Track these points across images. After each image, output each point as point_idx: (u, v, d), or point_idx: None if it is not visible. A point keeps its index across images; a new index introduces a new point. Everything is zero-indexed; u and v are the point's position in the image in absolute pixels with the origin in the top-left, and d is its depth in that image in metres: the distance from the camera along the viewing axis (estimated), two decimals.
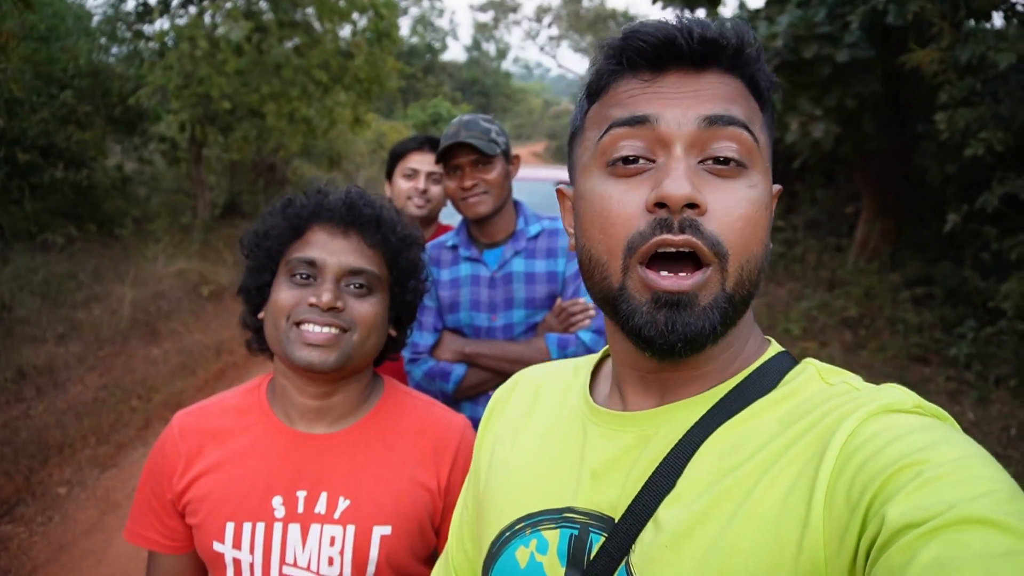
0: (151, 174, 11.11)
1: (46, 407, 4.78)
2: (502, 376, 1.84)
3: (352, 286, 1.13)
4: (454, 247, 1.99)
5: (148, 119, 10.07)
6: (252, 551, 1.11)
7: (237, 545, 1.11)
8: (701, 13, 7.64)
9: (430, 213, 2.45)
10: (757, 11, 7.37)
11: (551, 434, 0.79)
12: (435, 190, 2.43)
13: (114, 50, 10.06)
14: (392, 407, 1.24)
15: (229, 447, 1.16)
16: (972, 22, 5.20)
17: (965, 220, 5.48)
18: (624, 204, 0.64)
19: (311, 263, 1.12)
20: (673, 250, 0.62)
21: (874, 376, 5.94)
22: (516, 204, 2.01)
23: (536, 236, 1.95)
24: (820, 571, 0.54)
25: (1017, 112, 4.74)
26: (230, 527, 1.11)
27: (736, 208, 0.62)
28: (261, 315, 1.19)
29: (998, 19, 5.27)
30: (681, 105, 0.63)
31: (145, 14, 9.38)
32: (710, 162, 0.63)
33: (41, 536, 3.47)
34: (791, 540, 0.55)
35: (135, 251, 8.43)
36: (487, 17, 33.92)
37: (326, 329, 1.09)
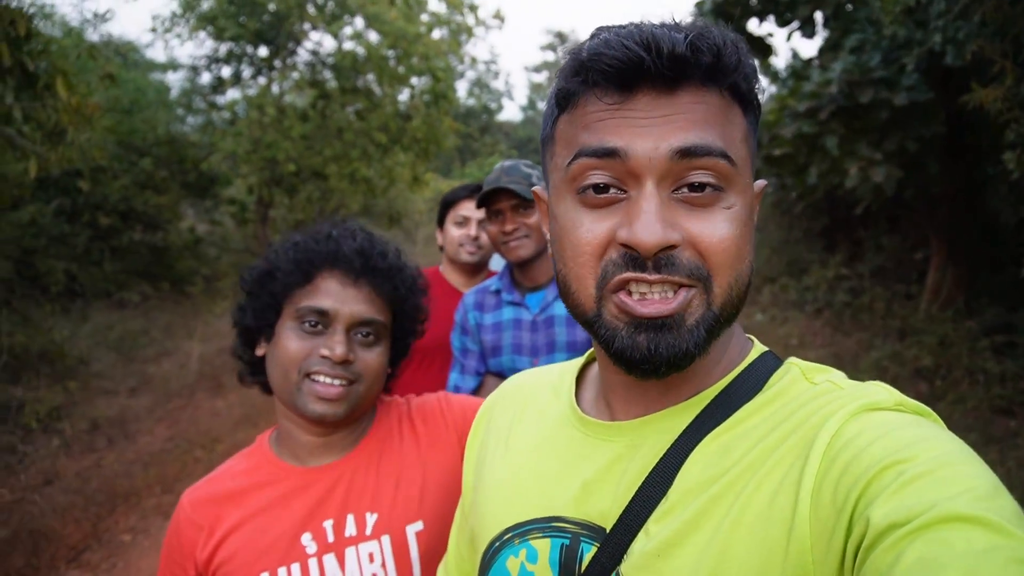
0: (221, 235, 11.68)
1: (116, 457, 4.96)
2: None
3: (360, 335, 1.14)
4: (497, 291, 2.00)
5: (219, 183, 10.66)
6: None
7: None
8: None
9: (481, 259, 2.48)
10: (810, 59, 7.34)
11: (538, 444, 0.78)
12: (486, 237, 2.46)
13: (189, 120, 10.74)
14: (385, 415, 1.26)
15: (248, 505, 1.15)
16: None
17: None
18: (593, 233, 0.62)
19: (323, 312, 1.11)
20: (650, 294, 0.61)
21: (956, 430, 5.60)
22: None
23: None
24: (808, 573, 0.53)
25: None
26: None
27: (715, 234, 0.60)
28: (260, 351, 1.19)
29: None
30: (652, 135, 0.60)
31: (219, 86, 10.02)
32: (684, 190, 0.61)
33: None
34: (778, 543, 0.55)
35: (204, 308, 8.80)
36: (542, 78, 34.82)
37: (337, 382, 1.10)
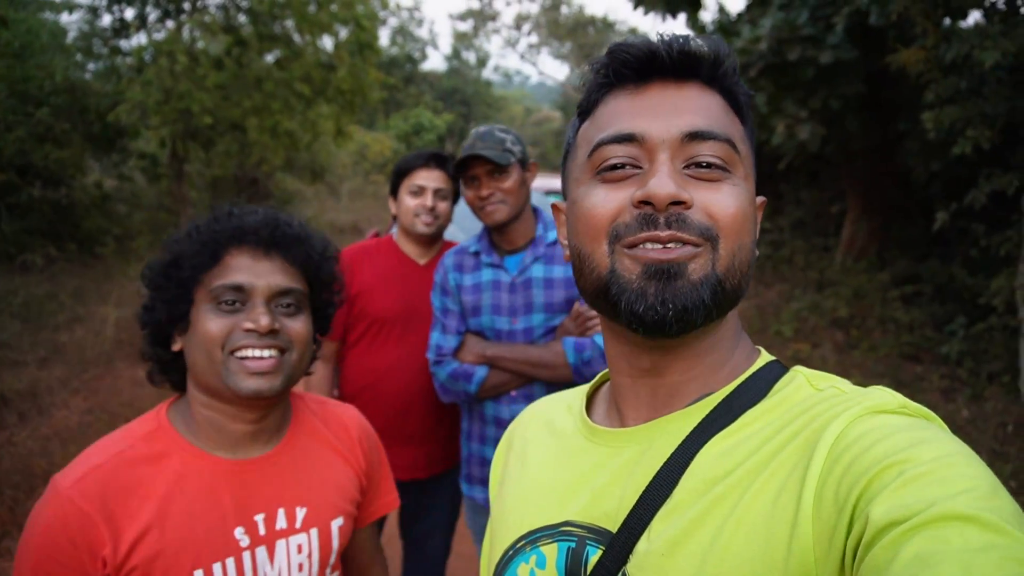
0: (131, 191, 10.99)
1: (30, 433, 4.66)
2: (522, 378, 1.94)
3: (281, 306, 1.14)
4: (476, 253, 2.06)
5: (127, 136, 9.97)
6: None
7: None
8: (681, 17, 7.66)
9: (438, 230, 2.38)
10: (740, 15, 7.40)
11: (553, 457, 0.81)
12: (442, 207, 2.35)
13: (90, 66, 9.96)
14: (303, 411, 1.29)
15: (163, 498, 1.06)
16: (948, 20, 5.24)
17: (953, 217, 5.51)
18: (609, 199, 0.67)
19: (238, 288, 1.10)
20: (660, 246, 0.64)
21: (867, 376, 5.93)
22: (535, 211, 2.07)
23: (554, 242, 2.00)
24: (810, 572, 0.55)
25: (1001, 109, 4.77)
26: (199, 574, 1.07)
27: (723, 201, 0.65)
28: (177, 347, 1.15)
29: (975, 15, 5.32)
30: (664, 119, 0.67)
31: (122, 29, 9.29)
32: (693, 167, 0.66)
33: None
34: (781, 542, 0.57)
35: (117, 270, 8.31)
36: (467, 26, 33.93)
37: (267, 353, 1.09)
